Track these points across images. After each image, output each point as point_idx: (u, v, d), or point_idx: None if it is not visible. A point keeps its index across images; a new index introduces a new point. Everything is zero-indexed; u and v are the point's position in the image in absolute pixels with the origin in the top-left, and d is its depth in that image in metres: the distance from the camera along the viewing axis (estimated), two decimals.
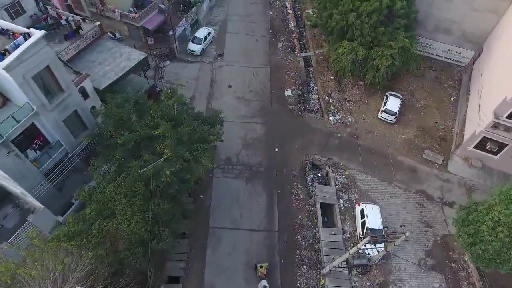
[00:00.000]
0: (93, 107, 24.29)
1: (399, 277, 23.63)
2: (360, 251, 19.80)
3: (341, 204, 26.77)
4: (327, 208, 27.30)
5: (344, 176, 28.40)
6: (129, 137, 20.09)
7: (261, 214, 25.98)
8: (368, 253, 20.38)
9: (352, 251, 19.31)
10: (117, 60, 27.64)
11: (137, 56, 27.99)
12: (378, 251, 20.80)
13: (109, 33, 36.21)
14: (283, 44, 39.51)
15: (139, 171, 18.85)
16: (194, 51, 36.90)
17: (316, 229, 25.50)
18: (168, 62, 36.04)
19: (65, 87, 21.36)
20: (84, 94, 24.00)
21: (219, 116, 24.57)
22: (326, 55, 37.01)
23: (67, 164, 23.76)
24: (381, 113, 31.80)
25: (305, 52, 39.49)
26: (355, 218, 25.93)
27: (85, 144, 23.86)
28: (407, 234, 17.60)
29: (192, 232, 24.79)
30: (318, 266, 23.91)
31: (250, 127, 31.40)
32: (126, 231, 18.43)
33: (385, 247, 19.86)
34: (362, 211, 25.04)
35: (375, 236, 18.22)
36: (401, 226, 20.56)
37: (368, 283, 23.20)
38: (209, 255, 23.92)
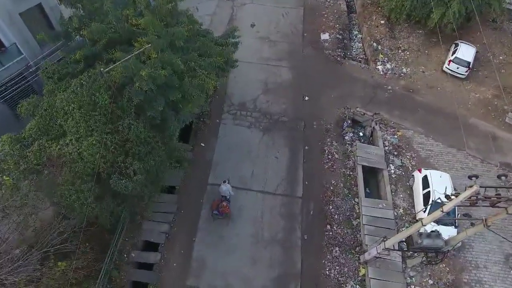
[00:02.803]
0: None
1: (476, 277, 16.02)
2: (433, 228, 12.50)
3: (392, 171, 19.35)
4: (371, 176, 19.98)
5: (396, 136, 20.93)
6: (97, 28, 13.66)
7: (280, 174, 19.01)
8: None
9: (427, 221, 11.87)
10: None
11: None
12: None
13: None
14: None
15: (101, 69, 12.32)
16: None
17: (356, 199, 18.24)
18: None
19: None
20: None
21: (232, 34, 17.80)
22: None
23: (29, 80, 17.79)
24: (448, 64, 24.00)
25: None
26: (411, 189, 18.46)
27: (55, 56, 17.75)
28: None
29: (183, 186, 18.16)
30: (357, 249, 16.67)
31: (273, 70, 24.45)
32: (72, 155, 11.98)
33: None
34: (425, 179, 17.50)
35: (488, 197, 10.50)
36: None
37: (430, 281, 15.73)
38: (203, 219, 17.22)
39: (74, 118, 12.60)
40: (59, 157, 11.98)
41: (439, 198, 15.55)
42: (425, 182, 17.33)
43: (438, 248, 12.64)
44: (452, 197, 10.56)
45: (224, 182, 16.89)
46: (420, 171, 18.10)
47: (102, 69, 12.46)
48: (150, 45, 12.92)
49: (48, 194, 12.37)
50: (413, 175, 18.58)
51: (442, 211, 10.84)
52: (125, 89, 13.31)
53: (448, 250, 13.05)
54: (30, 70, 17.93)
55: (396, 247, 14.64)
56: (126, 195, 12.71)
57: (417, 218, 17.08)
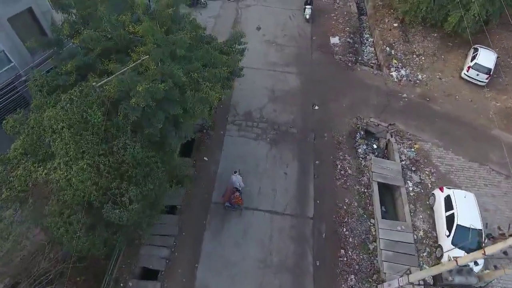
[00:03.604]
0: None
1: None
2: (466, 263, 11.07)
3: (410, 188, 17.94)
4: (387, 193, 18.59)
5: (413, 149, 19.50)
6: (89, 36, 12.30)
7: (290, 191, 17.63)
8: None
9: (463, 261, 10.44)
10: None
11: None
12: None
13: None
14: None
15: (94, 84, 10.96)
16: None
17: (372, 220, 16.84)
18: None
19: None
20: None
21: (238, 40, 16.40)
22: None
23: (20, 90, 16.47)
24: (467, 70, 22.52)
25: None
26: (432, 209, 17.04)
27: (47, 65, 16.41)
28: None
29: (185, 206, 16.80)
30: (374, 277, 15.27)
31: (281, 77, 23.04)
32: (60, 182, 10.64)
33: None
34: (448, 199, 16.07)
35: None
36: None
37: None
38: (206, 242, 15.86)
39: (63, 139, 11.24)
40: (45, 184, 10.64)
41: (470, 226, 14.37)
42: (448, 203, 15.90)
43: (470, 286, 11.25)
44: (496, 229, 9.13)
45: (235, 173, 16.41)
46: (441, 189, 16.67)
47: (94, 83, 11.11)
48: (148, 56, 11.51)
49: (34, 223, 11.03)
50: (433, 193, 17.15)
51: (484, 253, 9.43)
52: (120, 105, 11.94)
53: (480, 286, 11.65)
54: (21, 79, 16.62)
55: (420, 283, 13.22)
56: (121, 224, 11.36)
57: (439, 242, 15.76)
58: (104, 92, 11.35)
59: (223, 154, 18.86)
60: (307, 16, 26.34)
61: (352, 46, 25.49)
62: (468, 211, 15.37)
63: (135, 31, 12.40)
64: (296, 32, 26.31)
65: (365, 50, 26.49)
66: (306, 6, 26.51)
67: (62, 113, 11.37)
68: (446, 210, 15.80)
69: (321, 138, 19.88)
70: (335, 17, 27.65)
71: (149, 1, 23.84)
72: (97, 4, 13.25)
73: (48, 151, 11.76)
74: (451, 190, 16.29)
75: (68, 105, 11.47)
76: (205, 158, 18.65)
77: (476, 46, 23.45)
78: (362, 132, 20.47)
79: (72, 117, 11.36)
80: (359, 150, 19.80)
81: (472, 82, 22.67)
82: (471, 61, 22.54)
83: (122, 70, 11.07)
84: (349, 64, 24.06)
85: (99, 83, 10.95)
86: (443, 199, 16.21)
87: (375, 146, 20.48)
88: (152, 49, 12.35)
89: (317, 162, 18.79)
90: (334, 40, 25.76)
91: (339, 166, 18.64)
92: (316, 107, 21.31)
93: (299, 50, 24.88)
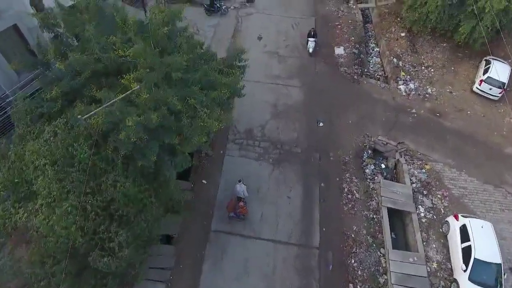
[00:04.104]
0: None
1: None
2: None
3: (421, 214, 16.87)
4: (397, 217, 17.53)
5: (424, 170, 18.43)
6: (76, 60, 11.23)
7: (294, 218, 16.57)
8: None
9: None
10: None
11: None
12: None
13: None
14: None
15: (80, 117, 9.90)
16: None
17: (382, 250, 15.78)
18: None
19: None
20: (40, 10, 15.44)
21: (239, 56, 15.34)
22: (394, 7, 26.85)
23: (7, 111, 15.41)
24: (480, 84, 21.42)
25: (363, 3, 29.45)
26: (445, 237, 15.98)
27: (34, 84, 15.34)
28: None
29: (182, 235, 15.75)
30: None
31: (283, 90, 21.96)
32: (42, 227, 9.58)
33: None
34: (464, 229, 14.98)
35: None
36: None
37: None
38: (205, 275, 14.80)
39: (46, 176, 10.18)
40: (26, 229, 9.60)
41: (489, 260, 13.31)
42: (464, 234, 14.81)
43: None
44: None
45: (239, 181, 16.01)
46: (456, 218, 15.59)
47: (80, 115, 10.05)
48: (139, 86, 10.44)
49: (12, 275, 9.98)
50: (447, 221, 16.08)
51: None
52: (109, 137, 10.88)
53: None
54: (7, 100, 15.57)
55: None
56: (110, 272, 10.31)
57: (454, 276, 14.70)
58: (91, 124, 10.25)
59: (223, 176, 17.80)
60: (310, 50, 23.32)
61: (357, 57, 24.38)
62: (486, 243, 14.31)
63: (126, 55, 11.29)
64: (299, 42, 25.19)
65: (371, 61, 25.38)
66: (309, 39, 23.17)
67: (45, 148, 10.31)
68: (462, 241, 14.72)
69: (326, 158, 18.80)
70: (339, 26, 26.53)
71: (145, 11, 22.83)
72: (85, 23, 12.15)
73: (30, 188, 10.70)
74: (467, 219, 15.21)
75: (51, 138, 10.41)
76: (203, 181, 17.59)
77: (488, 58, 22.35)
78: (369, 151, 19.40)
79: (56, 152, 10.31)
80: (367, 171, 18.74)
81: (484, 96, 21.59)
82: (484, 74, 21.44)
83: (110, 102, 9.99)
84: (355, 76, 22.97)
85: (85, 116, 9.87)
86: (459, 228, 15.12)
87: (383, 166, 19.40)
88: (145, 74, 11.28)
89: (322, 184, 17.73)
90: (339, 50, 24.65)
91: (346, 189, 17.57)
92: (321, 124, 20.24)
93: (302, 61, 23.78)
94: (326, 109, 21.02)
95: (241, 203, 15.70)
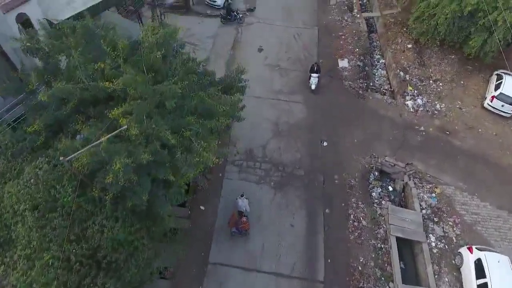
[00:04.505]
0: None
1: None
2: None
3: (432, 243, 15.91)
4: (406, 246, 16.57)
5: (434, 195, 17.47)
6: (60, 90, 10.28)
7: (297, 248, 15.62)
8: None
9: None
10: None
11: None
12: None
13: None
14: (338, 0, 28.63)
15: (62, 159, 8.94)
16: (215, 2, 26.82)
17: (391, 285, 14.81)
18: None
19: None
20: (27, 26, 14.49)
21: (239, 76, 14.39)
22: (399, 16, 25.85)
23: None
24: (491, 100, 20.42)
25: (367, 12, 28.48)
26: (458, 270, 15.03)
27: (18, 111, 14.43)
28: None
29: (178, 268, 14.79)
30: None
31: (285, 107, 20.99)
32: (19, 285, 8.63)
33: None
34: (479, 264, 14.02)
35: None
36: None
37: None
38: None
39: (26, 223, 9.23)
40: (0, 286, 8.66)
41: None
42: (480, 269, 13.85)
43: None
44: None
45: (242, 196, 15.76)
46: (470, 250, 14.64)
47: (62, 158, 9.08)
48: (127, 124, 9.48)
49: None
50: (460, 253, 15.13)
51: None
52: (96, 177, 9.93)
53: None
54: None
55: None
56: None
57: None
58: (75, 166, 9.30)
59: (222, 201, 16.85)
60: (313, 87, 20.96)
61: (362, 70, 23.40)
62: (504, 281, 13.35)
63: (115, 85, 10.33)
64: (301, 54, 24.22)
65: (376, 74, 24.38)
66: (311, 75, 20.73)
67: (25, 191, 9.35)
68: (478, 277, 13.77)
69: (331, 181, 17.84)
70: (343, 36, 25.54)
71: (141, 23, 21.87)
72: (71, 48, 11.19)
73: (10, 233, 9.75)
74: (483, 253, 14.24)
75: (32, 180, 9.45)
76: (201, 207, 16.64)
77: (500, 72, 21.40)
78: (376, 173, 18.44)
79: (36, 195, 9.36)
80: (373, 194, 17.80)
81: (496, 113, 20.59)
82: (495, 90, 20.44)
83: (96, 143, 9.03)
84: (360, 91, 21.99)
85: (68, 158, 8.91)
86: (473, 263, 14.16)
87: (390, 189, 18.46)
88: (135, 105, 10.32)
89: (327, 211, 16.78)
90: (343, 63, 23.66)
91: (352, 216, 16.61)
92: (325, 143, 19.27)
93: (305, 75, 22.75)
94: (330, 127, 20.05)
95: (244, 219, 15.11)
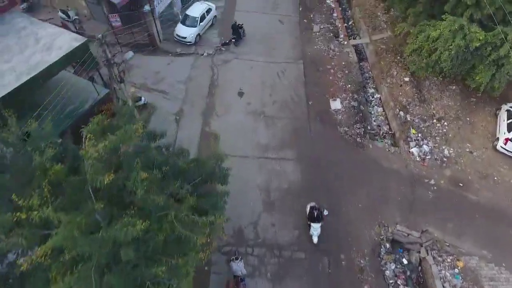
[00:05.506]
0: None
1: None
2: None
3: None
4: None
5: (457, 270, 15.02)
6: None
7: None
8: None
9: None
10: (28, 49, 14.68)
11: (66, 43, 14.85)
12: None
13: (59, 12, 23.82)
14: (321, 27, 25.96)
15: None
16: (185, 38, 23.66)
17: None
18: (130, 54, 22.83)
19: None
20: None
21: (224, 172, 11.45)
22: (392, 42, 23.42)
23: None
24: (505, 143, 18.19)
25: (354, 38, 25.92)
26: None
27: None
28: None
29: None
30: None
31: (276, 167, 18.12)
32: None
33: None
34: None
35: None
36: None
37: None
38: None
39: None
40: None
41: None
42: None
43: None
44: None
45: (237, 259, 14.04)
46: None
47: None
48: None
49: None
50: None
51: None
52: None
53: None
54: None
55: None
56: None
57: None
58: None
59: None
60: (315, 240, 15.55)
61: (357, 112, 20.77)
62: None
63: (39, 255, 7.16)
64: (288, 96, 21.40)
65: (372, 112, 21.78)
66: (312, 224, 15.58)
67: None
68: None
69: (337, 264, 15.12)
70: (332, 70, 22.87)
71: (94, 81, 18.48)
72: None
73: None
74: None
75: None
76: None
77: (509, 107, 19.22)
78: (387, 245, 15.86)
79: None
80: (387, 273, 15.22)
81: (511, 157, 18.39)
82: (509, 131, 18.22)
83: None
84: (358, 139, 19.37)
85: None
86: None
87: (405, 262, 15.92)
88: (76, 275, 7.21)
89: None
90: (335, 104, 20.96)
91: None
92: (326, 212, 16.51)
93: (294, 123, 19.98)
94: (329, 189, 17.34)
95: (242, 285, 13.65)
